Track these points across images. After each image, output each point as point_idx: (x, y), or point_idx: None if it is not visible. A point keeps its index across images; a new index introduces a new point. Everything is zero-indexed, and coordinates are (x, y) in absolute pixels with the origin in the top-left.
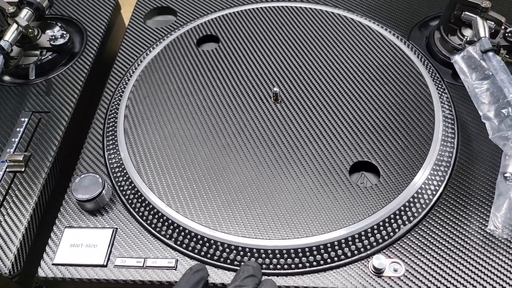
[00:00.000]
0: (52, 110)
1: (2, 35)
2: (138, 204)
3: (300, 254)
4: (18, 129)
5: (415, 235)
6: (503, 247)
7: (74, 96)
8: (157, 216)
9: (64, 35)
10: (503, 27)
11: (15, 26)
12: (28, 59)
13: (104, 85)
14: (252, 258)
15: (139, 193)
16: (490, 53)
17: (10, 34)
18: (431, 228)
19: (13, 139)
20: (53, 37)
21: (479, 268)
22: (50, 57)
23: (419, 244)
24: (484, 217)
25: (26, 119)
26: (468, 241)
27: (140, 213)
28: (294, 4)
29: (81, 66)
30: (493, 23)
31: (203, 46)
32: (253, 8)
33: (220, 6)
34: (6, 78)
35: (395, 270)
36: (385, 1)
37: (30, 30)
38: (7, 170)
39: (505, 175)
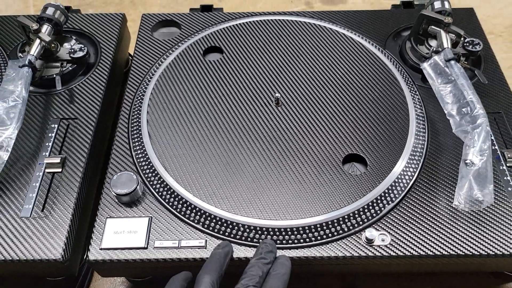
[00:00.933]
0: (78, 116)
1: (25, 49)
2: (168, 196)
3: (307, 231)
4: (50, 135)
5: (397, 212)
6: (466, 218)
7: (97, 102)
8: (185, 205)
9: (82, 48)
10: (462, 38)
11: (38, 41)
12: (49, 70)
13: (119, 91)
14: (268, 236)
15: (168, 186)
16: (452, 62)
17: (35, 49)
18: (409, 206)
19: (47, 144)
20: (72, 50)
21: (447, 235)
22: (70, 68)
23: (400, 219)
24: (450, 195)
25: (56, 125)
26: (438, 215)
27: (170, 203)
28: (288, 18)
29: (100, 75)
30: (454, 35)
31: (209, 56)
32: (252, 21)
33: (220, 19)
34: (31, 88)
35: (383, 240)
36: (364, 14)
37: (53, 45)
38: (45, 171)
39: (466, 161)
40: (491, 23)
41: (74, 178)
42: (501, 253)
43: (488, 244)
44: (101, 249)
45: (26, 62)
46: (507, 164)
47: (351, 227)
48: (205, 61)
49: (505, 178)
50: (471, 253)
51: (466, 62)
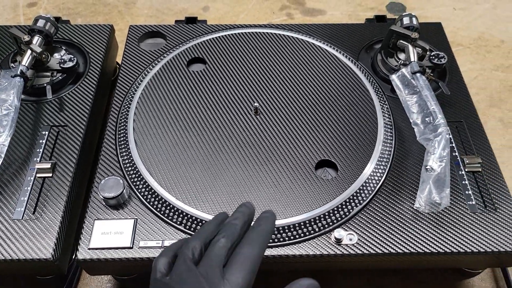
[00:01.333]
0: (67, 123)
1: (16, 59)
2: (153, 199)
3: (281, 231)
4: (41, 141)
5: (364, 213)
6: (426, 219)
7: (86, 111)
8: (169, 207)
9: (72, 59)
10: (428, 52)
11: (29, 52)
12: (40, 79)
13: (107, 99)
14: None
15: (153, 190)
16: (418, 74)
17: (27, 59)
18: (376, 208)
19: (38, 150)
20: (62, 60)
21: (409, 235)
22: (60, 77)
23: (367, 220)
24: (413, 198)
25: (47, 132)
26: (402, 216)
27: (155, 206)
28: (267, 30)
29: (88, 84)
30: (420, 49)
31: (193, 67)
32: (233, 33)
33: (204, 31)
34: (22, 96)
35: (350, 240)
36: (340, 28)
37: (43, 55)
38: (36, 176)
39: (426, 167)
40: (460, 35)
41: (64, 182)
42: (457, 251)
43: (446, 243)
44: (89, 248)
45: (18, 72)
46: (466, 169)
47: (321, 228)
48: (189, 72)
49: (463, 182)
50: (430, 251)
51: (432, 74)
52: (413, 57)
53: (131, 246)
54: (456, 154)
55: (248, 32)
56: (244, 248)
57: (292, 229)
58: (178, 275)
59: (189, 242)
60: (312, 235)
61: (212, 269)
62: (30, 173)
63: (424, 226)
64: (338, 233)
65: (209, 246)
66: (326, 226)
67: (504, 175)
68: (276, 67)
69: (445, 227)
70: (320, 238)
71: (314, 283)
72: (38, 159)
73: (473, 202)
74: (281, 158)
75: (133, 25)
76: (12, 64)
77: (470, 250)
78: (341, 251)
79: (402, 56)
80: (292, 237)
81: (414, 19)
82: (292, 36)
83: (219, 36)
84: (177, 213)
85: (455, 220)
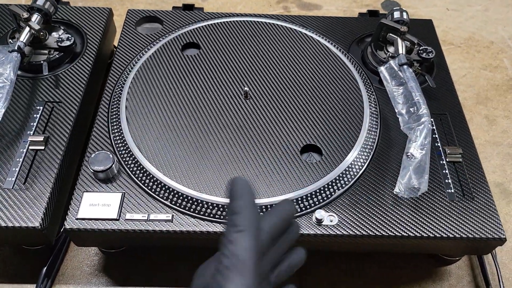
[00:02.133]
0: (62, 100)
1: (15, 36)
2: (141, 174)
3: (264, 209)
4: (35, 116)
5: (346, 197)
6: (405, 204)
7: (81, 89)
8: (156, 183)
9: (69, 38)
10: (416, 46)
11: (28, 29)
12: (37, 56)
13: (102, 79)
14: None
15: (141, 165)
16: (405, 66)
17: (24, 36)
18: (358, 192)
19: (31, 124)
20: (60, 39)
21: (388, 218)
22: (57, 56)
23: (349, 203)
24: (393, 183)
25: (41, 107)
26: (382, 200)
27: (142, 181)
28: (262, 19)
29: (84, 64)
30: (409, 43)
31: (187, 51)
32: (228, 21)
33: (200, 18)
34: (19, 72)
35: (331, 221)
36: (333, 20)
37: (41, 33)
38: (29, 148)
39: (407, 154)
40: (451, 35)
41: (56, 155)
42: (433, 235)
43: (424, 228)
44: (77, 219)
45: (16, 48)
46: (447, 159)
47: (303, 208)
48: (183, 56)
49: (443, 171)
50: (408, 235)
51: (419, 68)
52: (401, 50)
53: (118, 218)
54: (439, 144)
55: (243, 21)
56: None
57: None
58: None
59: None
60: (294, 215)
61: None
62: (23, 145)
63: (403, 211)
64: (319, 213)
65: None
66: (308, 207)
67: (486, 169)
68: (268, 55)
69: (424, 213)
70: (301, 218)
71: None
72: (32, 132)
73: (452, 191)
74: (268, 141)
75: (131, 9)
76: (10, 40)
77: (446, 236)
78: (321, 231)
79: (391, 49)
80: None
81: (404, 13)
82: (285, 26)
83: (214, 23)
84: (164, 188)
85: (433, 207)
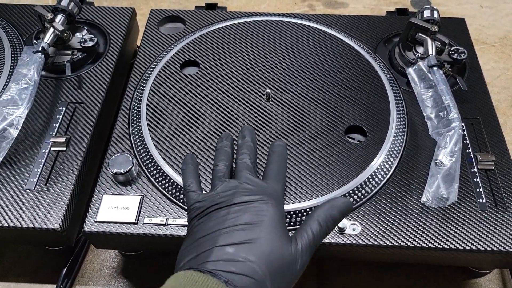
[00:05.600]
0: (84, 101)
1: (39, 36)
2: (160, 178)
3: (288, 216)
4: (57, 116)
5: (370, 205)
6: (432, 214)
7: (103, 90)
8: (175, 187)
9: (92, 38)
10: (447, 46)
11: (52, 30)
12: (61, 57)
13: (124, 80)
14: None
15: (160, 169)
16: (435, 68)
17: (49, 37)
18: (382, 201)
19: (54, 124)
20: (83, 40)
21: (414, 229)
22: (80, 56)
23: (372, 211)
24: (420, 192)
25: (64, 108)
26: (408, 209)
27: (161, 185)
28: (286, 19)
29: (107, 65)
30: (439, 43)
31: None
32: (251, 20)
33: (223, 17)
34: (43, 73)
35: (354, 230)
36: (359, 19)
37: (65, 34)
38: (51, 149)
39: (436, 161)
40: (485, 34)
41: (77, 157)
42: (463, 248)
43: (453, 239)
44: (96, 221)
45: (40, 49)
46: (478, 167)
47: None
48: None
49: (475, 179)
50: (435, 246)
51: (450, 70)
52: (431, 50)
53: (136, 222)
54: (470, 151)
55: (266, 20)
56: (273, 165)
57: (299, 214)
58: (222, 190)
59: (217, 165)
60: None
61: (251, 177)
62: (45, 146)
63: (430, 221)
64: (342, 222)
65: (236, 165)
66: None
67: None
68: (291, 56)
69: (453, 224)
70: None
71: (347, 201)
72: (54, 133)
73: (484, 200)
74: (289, 146)
75: (154, 9)
76: (35, 41)
77: (476, 248)
78: (343, 240)
79: (420, 49)
80: (297, 223)
81: (435, 12)
82: (310, 26)
83: (237, 23)
84: (182, 192)
85: (463, 217)
